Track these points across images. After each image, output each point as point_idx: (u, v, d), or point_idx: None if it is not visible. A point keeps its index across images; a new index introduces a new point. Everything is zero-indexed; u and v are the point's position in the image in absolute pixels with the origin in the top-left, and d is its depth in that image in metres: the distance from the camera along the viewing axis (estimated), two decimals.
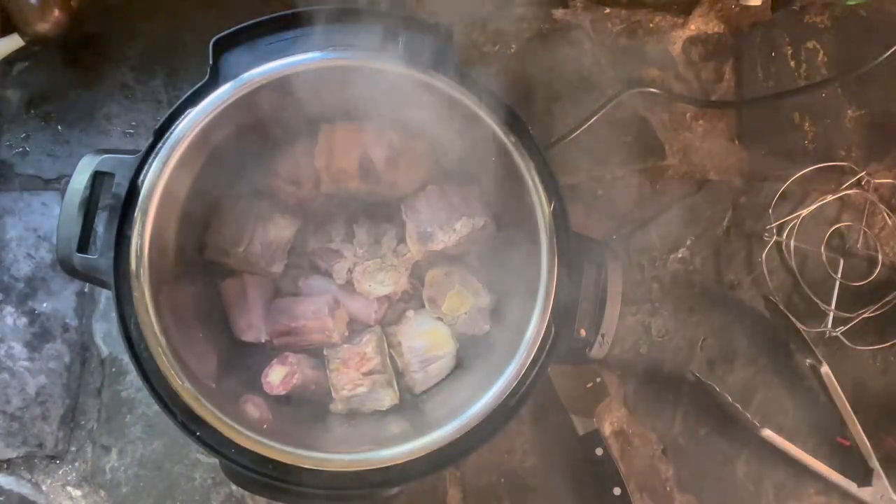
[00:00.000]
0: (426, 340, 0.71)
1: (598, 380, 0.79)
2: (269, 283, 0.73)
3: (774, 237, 0.83)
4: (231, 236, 0.70)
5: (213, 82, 0.60)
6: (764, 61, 0.87)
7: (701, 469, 0.80)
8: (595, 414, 0.78)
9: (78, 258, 0.59)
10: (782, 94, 0.85)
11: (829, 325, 0.81)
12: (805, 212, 0.83)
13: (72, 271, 0.60)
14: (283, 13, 0.62)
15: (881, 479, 0.77)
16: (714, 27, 0.88)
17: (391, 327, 0.73)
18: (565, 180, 0.82)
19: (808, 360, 0.80)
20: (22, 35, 0.77)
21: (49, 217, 0.80)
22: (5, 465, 0.76)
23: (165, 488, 0.76)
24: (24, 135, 0.81)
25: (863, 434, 0.77)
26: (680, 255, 0.83)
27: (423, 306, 0.73)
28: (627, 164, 0.84)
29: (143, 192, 0.59)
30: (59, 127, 0.82)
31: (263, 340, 0.70)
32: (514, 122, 0.62)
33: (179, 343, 0.59)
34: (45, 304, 0.79)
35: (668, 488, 0.79)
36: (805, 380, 0.81)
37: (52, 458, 0.76)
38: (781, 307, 0.79)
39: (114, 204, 0.59)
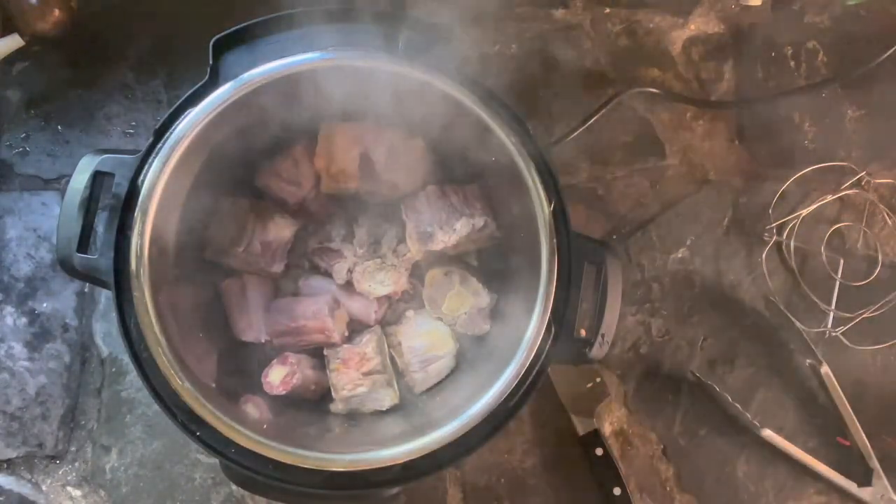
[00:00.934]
0: (426, 340, 0.71)
1: (598, 380, 0.79)
2: (269, 283, 0.73)
3: (774, 237, 0.83)
4: (231, 236, 0.70)
5: (213, 82, 0.60)
6: (764, 61, 0.87)
7: (701, 469, 0.80)
8: (595, 414, 0.78)
9: (78, 258, 0.59)
10: (782, 94, 0.85)
11: (829, 325, 0.81)
12: (805, 212, 0.83)
13: (72, 271, 0.60)
14: (283, 13, 0.62)
15: (881, 479, 0.77)
16: (714, 27, 0.88)
17: (391, 327, 0.73)
18: (565, 180, 0.82)
19: (808, 360, 0.80)
20: (22, 35, 0.77)
21: (49, 217, 0.80)
22: (5, 465, 0.76)
23: (165, 488, 0.76)
24: (24, 135, 0.81)
25: (863, 434, 0.77)
26: (680, 255, 0.83)
27: (423, 306, 0.73)
28: (627, 164, 0.84)
29: (143, 192, 0.59)
30: (59, 127, 0.82)
31: (263, 340, 0.70)
32: (514, 122, 0.62)
33: (179, 343, 0.59)
34: (45, 304, 0.79)
35: (668, 488, 0.79)
36: (805, 380, 0.81)
37: (52, 458, 0.77)
38: (781, 307, 0.79)
39: (114, 204, 0.59)
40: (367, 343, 0.70)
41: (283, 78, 0.61)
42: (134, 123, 0.82)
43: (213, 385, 0.62)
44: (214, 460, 0.73)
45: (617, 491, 0.76)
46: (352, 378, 0.69)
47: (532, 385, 0.60)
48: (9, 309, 0.78)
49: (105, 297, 0.79)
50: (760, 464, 0.80)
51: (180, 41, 0.83)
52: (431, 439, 0.58)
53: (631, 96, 0.84)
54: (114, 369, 0.78)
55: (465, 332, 0.72)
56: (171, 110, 0.60)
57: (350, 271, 0.72)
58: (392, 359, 0.72)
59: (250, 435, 0.57)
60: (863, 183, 0.84)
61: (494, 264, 0.74)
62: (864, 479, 0.77)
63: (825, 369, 0.78)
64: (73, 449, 0.77)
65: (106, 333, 0.79)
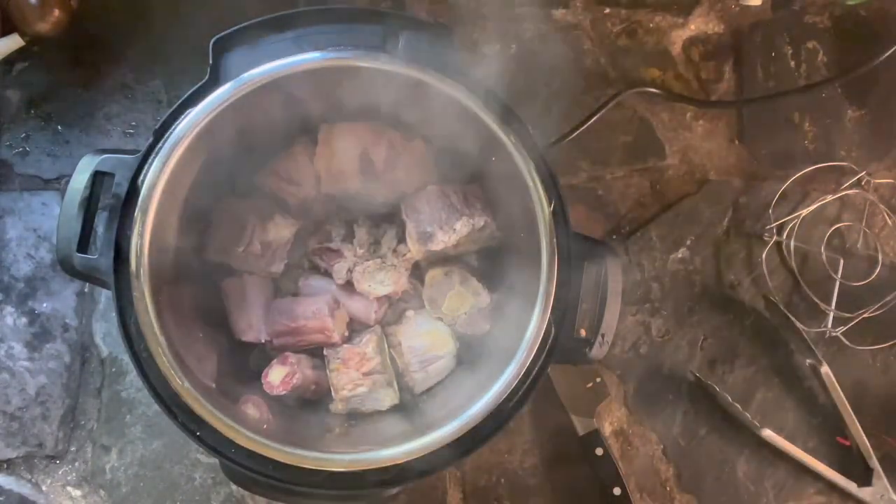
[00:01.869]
0: (426, 340, 0.71)
1: (598, 380, 0.79)
2: (269, 283, 0.73)
3: (774, 237, 0.83)
4: (231, 236, 0.70)
5: (213, 82, 0.60)
6: (764, 61, 0.87)
7: (701, 469, 0.80)
8: (595, 414, 0.78)
9: (78, 258, 0.59)
10: (782, 94, 0.85)
11: (829, 325, 0.81)
12: (805, 212, 0.83)
13: (72, 271, 0.60)
14: (283, 13, 0.62)
15: (881, 479, 0.77)
16: (714, 27, 0.88)
17: (391, 327, 0.73)
18: (565, 180, 0.82)
19: (808, 360, 0.80)
20: (22, 35, 0.77)
21: (49, 217, 0.80)
22: (5, 465, 0.76)
23: (165, 488, 0.76)
24: (24, 135, 0.81)
25: (863, 434, 0.77)
26: (680, 255, 0.83)
27: (423, 306, 0.73)
28: (627, 164, 0.84)
29: (143, 192, 0.58)
30: (59, 127, 0.82)
31: (263, 340, 0.70)
32: (514, 121, 0.62)
33: (179, 343, 0.59)
34: (45, 304, 0.79)
35: (668, 488, 0.79)
36: (805, 380, 0.81)
37: (52, 458, 0.76)
38: (781, 307, 0.79)
39: (114, 204, 0.59)
40: (367, 343, 0.70)
41: (283, 78, 0.61)
42: (134, 123, 0.82)
43: (213, 385, 0.62)
44: (214, 460, 0.73)
45: (617, 491, 0.76)
46: (352, 378, 0.69)
47: (532, 385, 0.60)
48: (9, 309, 0.78)
49: (105, 297, 0.79)
50: (760, 464, 0.80)
51: (181, 41, 0.83)
52: (431, 439, 0.58)
53: (631, 96, 0.84)
54: (114, 369, 0.78)
55: (465, 332, 0.72)
56: (171, 110, 0.60)
57: (350, 271, 0.72)
58: (392, 359, 0.72)
59: (250, 435, 0.57)
60: (863, 183, 0.84)
61: (494, 264, 0.74)
62: (864, 479, 0.78)
63: (825, 369, 0.78)
64: (73, 449, 0.77)
65: (106, 333, 0.79)
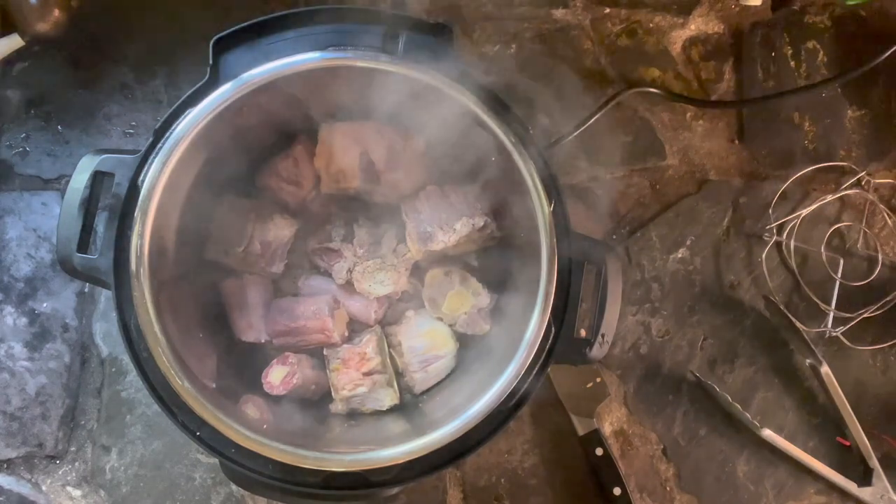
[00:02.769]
0: (426, 340, 0.71)
1: (598, 380, 0.79)
2: (269, 283, 0.73)
3: (774, 237, 0.83)
4: (231, 236, 0.70)
5: (213, 82, 0.60)
6: (764, 61, 0.87)
7: (701, 469, 0.80)
8: (595, 414, 0.78)
9: (78, 258, 0.59)
10: (782, 94, 0.85)
11: (829, 325, 0.81)
12: (805, 212, 0.83)
13: (72, 271, 0.60)
14: (283, 13, 0.62)
15: (881, 479, 0.77)
16: (714, 27, 0.88)
17: (391, 327, 0.73)
18: (565, 180, 0.82)
19: (808, 360, 0.80)
20: (22, 35, 0.77)
21: (49, 217, 0.80)
22: (5, 465, 0.76)
23: (165, 488, 0.76)
24: (24, 135, 0.81)
25: (863, 434, 0.77)
26: (680, 255, 0.83)
27: (423, 306, 0.73)
28: (627, 164, 0.84)
29: (143, 192, 0.58)
30: (59, 127, 0.82)
31: (263, 340, 0.70)
32: (514, 122, 0.62)
33: (179, 343, 0.59)
34: (45, 304, 0.79)
35: (668, 488, 0.79)
36: (805, 380, 0.81)
37: (52, 458, 0.77)
38: (781, 307, 0.79)
39: (114, 204, 0.59)
40: (367, 343, 0.70)
41: (283, 78, 0.61)
42: (134, 123, 0.82)
43: (213, 385, 0.62)
44: (214, 460, 0.73)
45: (617, 491, 0.76)
46: (352, 378, 0.69)
47: (532, 385, 0.60)
48: (9, 309, 0.78)
49: (105, 297, 0.79)
50: (760, 464, 0.80)
51: (180, 41, 0.83)
52: (431, 439, 0.58)
53: (631, 96, 0.84)
54: (114, 369, 0.78)
55: (465, 332, 0.72)
56: (171, 110, 0.60)
57: (350, 271, 0.72)
58: (392, 359, 0.72)
59: (250, 435, 0.57)
60: (863, 183, 0.84)
61: (494, 264, 0.74)
62: (864, 479, 0.78)
63: (825, 369, 0.78)
64: (73, 449, 0.77)
65: (106, 333, 0.79)
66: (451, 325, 0.72)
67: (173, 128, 0.59)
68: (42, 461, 0.76)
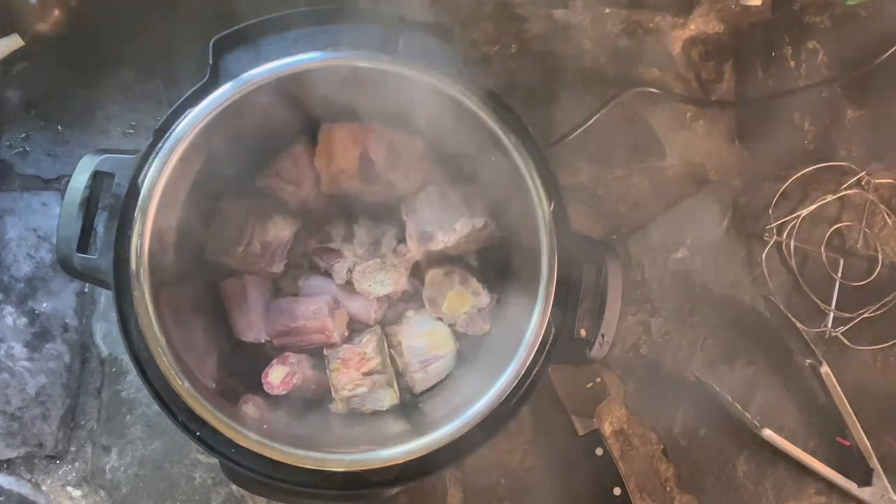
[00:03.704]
0: (426, 340, 0.71)
1: (598, 380, 0.79)
2: (269, 283, 0.73)
3: (774, 237, 0.83)
4: (231, 236, 0.70)
5: (213, 82, 0.60)
6: (764, 61, 0.87)
7: (701, 469, 0.80)
8: (595, 414, 0.78)
9: (78, 258, 0.59)
10: (782, 94, 0.85)
11: (829, 325, 0.81)
12: (805, 212, 0.83)
13: (72, 271, 0.60)
14: (282, 13, 0.62)
15: (881, 479, 0.77)
16: (714, 27, 0.88)
17: (391, 327, 0.73)
18: (565, 180, 0.82)
19: (808, 360, 0.80)
20: (22, 35, 0.77)
21: (49, 217, 0.80)
22: (5, 465, 0.76)
23: (165, 488, 0.76)
24: (24, 135, 0.81)
25: (863, 434, 0.77)
26: (680, 255, 0.83)
27: (423, 306, 0.73)
28: (627, 164, 0.84)
29: (143, 192, 0.58)
30: (59, 127, 0.82)
31: (263, 340, 0.70)
32: (514, 122, 0.62)
33: (179, 343, 0.59)
34: (45, 304, 0.79)
35: (668, 488, 0.79)
36: (805, 380, 0.81)
37: (52, 458, 0.77)
38: (781, 307, 0.79)
39: (114, 204, 0.59)
40: (367, 343, 0.70)
41: (283, 78, 0.61)
42: (134, 123, 0.82)
43: (213, 385, 0.62)
44: (214, 460, 0.73)
45: (617, 491, 0.76)
46: (352, 378, 0.69)
47: (532, 385, 0.60)
48: (9, 309, 0.78)
49: (105, 297, 0.79)
50: (760, 464, 0.80)
51: (180, 41, 0.83)
52: (431, 439, 0.58)
53: (631, 96, 0.84)
54: (114, 369, 0.78)
55: (465, 332, 0.72)
56: (171, 110, 0.60)
57: (350, 271, 0.72)
58: (392, 359, 0.72)
59: (250, 435, 0.57)
60: (863, 183, 0.84)
61: (494, 264, 0.74)
62: (864, 479, 0.78)
63: (825, 369, 0.78)
64: (73, 449, 0.77)
65: (106, 333, 0.79)
66: (451, 325, 0.72)
67: (173, 128, 0.59)
68: (42, 461, 0.76)
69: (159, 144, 0.59)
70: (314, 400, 0.71)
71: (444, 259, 0.73)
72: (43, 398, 0.77)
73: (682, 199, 0.84)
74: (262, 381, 0.67)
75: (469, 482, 0.78)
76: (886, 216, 0.84)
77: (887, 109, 0.86)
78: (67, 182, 0.61)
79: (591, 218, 0.83)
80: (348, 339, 0.72)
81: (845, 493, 0.78)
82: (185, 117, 0.59)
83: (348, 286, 0.72)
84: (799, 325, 0.79)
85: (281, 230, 0.71)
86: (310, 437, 0.63)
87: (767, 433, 0.78)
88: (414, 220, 0.70)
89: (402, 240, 0.73)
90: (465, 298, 0.71)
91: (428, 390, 0.72)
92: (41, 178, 0.81)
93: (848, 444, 0.79)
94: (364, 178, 0.71)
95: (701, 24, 0.88)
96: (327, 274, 0.73)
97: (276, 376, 0.67)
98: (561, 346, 0.60)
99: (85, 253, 0.60)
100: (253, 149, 0.71)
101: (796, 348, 0.80)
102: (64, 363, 0.78)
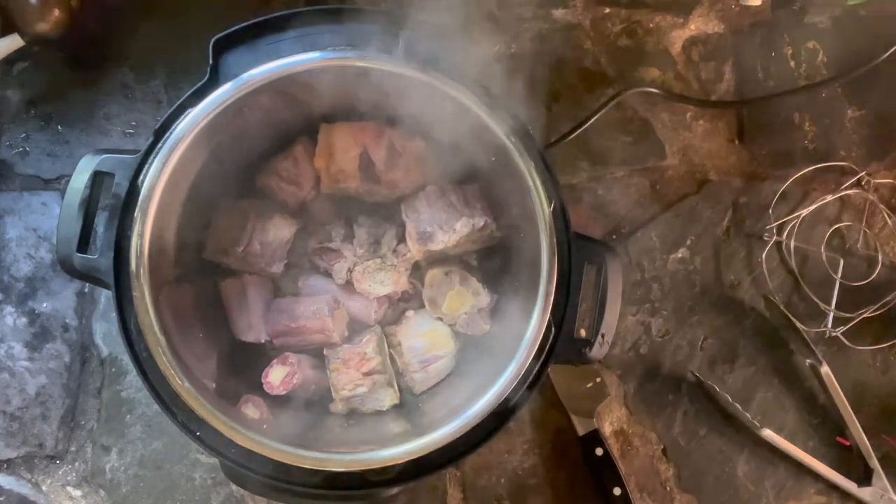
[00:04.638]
0: (426, 340, 0.71)
1: (598, 380, 0.79)
2: (269, 283, 0.73)
3: (774, 237, 0.83)
4: (231, 236, 0.70)
5: (213, 82, 0.60)
6: (764, 61, 0.87)
7: (701, 469, 0.80)
8: (595, 414, 0.78)
9: (78, 258, 0.59)
10: (782, 94, 0.85)
11: (829, 325, 0.81)
12: (805, 212, 0.83)
13: (72, 271, 0.60)
14: (283, 13, 0.62)
15: (881, 479, 0.77)
16: (714, 27, 0.88)
17: (391, 327, 0.73)
18: (565, 180, 0.82)
19: (808, 360, 0.80)
20: (22, 35, 0.77)
21: (49, 217, 0.80)
22: (5, 465, 0.76)
23: (165, 488, 0.76)
24: (24, 135, 0.81)
25: (863, 434, 0.77)
26: (680, 255, 0.83)
27: (423, 306, 0.73)
28: (627, 164, 0.84)
29: (143, 192, 0.58)
30: (59, 127, 0.82)
31: (263, 340, 0.70)
32: (514, 122, 0.62)
33: (179, 343, 0.59)
34: (45, 304, 0.79)
35: (668, 488, 0.79)
36: (805, 380, 0.81)
37: (52, 458, 0.77)
38: (781, 307, 0.79)
39: (114, 204, 0.59)
40: (367, 343, 0.70)
41: (283, 78, 0.61)
42: (134, 123, 0.82)
43: (213, 385, 0.62)
44: (214, 460, 0.73)
45: (617, 491, 0.76)
46: (352, 378, 0.69)
47: (532, 385, 0.60)
48: (9, 309, 0.78)
49: (105, 297, 0.79)
50: (760, 464, 0.80)
51: (180, 41, 0.83)
52: (431, 439, 0.58)
53: (631, 96, 0.84)
54: (114, 369, 0.78)
55: (465, 332, 0.72)
56: (171, 110, 0.60)
57: (350, 271, 0.72)
58: (392, 359, 0.72)
59: (250, 435, 0.57)
60: (863, 183, 0.84)
61: (494, 264, 0.74)
62: (864, 478, 0.78)
63: (825, 369, 0.78)
64: (73, 449, 0.77)
65: (106, 333, 0.79)
66: (451, 325, 0.72)
67: (173, 128, 0.59)
68: (42, 461, 0.76)
69: (159, 144, 0.59)
70: (314, 400, 0.71)
71: (444, 259, 0.73)
72: (43, 398, 0.77)
73: (682, 199, 0.84)
74: (262, 381, 0.67)
75: (469, 482, 0.78)
76: (886, 216, 0.84)
77: (887, 109, 0.86)
78: (67, 182, 0.61)
79: (591, 218, 0.83)
80: (348, 339, 0.72)
81: (845, 493, 0.78)
82: (185, 117, 0.59)
83: (348, 286, 0.72)
84: (799, 325, 0.79)
85: (281, 230, 0.71)
86: (310, 437, 0.63)
87: (767, 433, 0.78)
88: (414, 220, 0.70)
89: (402, 240, 0.73)
90: (465, 298, 0.71)
91: (428, 390, 0.72)
92: (41, 178, 0.81)
93: (848, 444, 0.79)
94: (364, 178, 0.71)
95: (701, 24, 0.88)
96: (327, 274, 0.73)
97: (276, 376, 0.67)
98: (561, 346, 0.60)
99: (85, 253, 0.60)
100: (253, 149, 0.71)
101: (796, 348, 0.80)
102: (64, 363, 0.78)
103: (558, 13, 0.86)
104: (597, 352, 0.62)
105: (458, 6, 0.84)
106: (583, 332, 0.62)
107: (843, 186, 0.84)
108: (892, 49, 0.80)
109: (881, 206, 0.84)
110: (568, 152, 0.83)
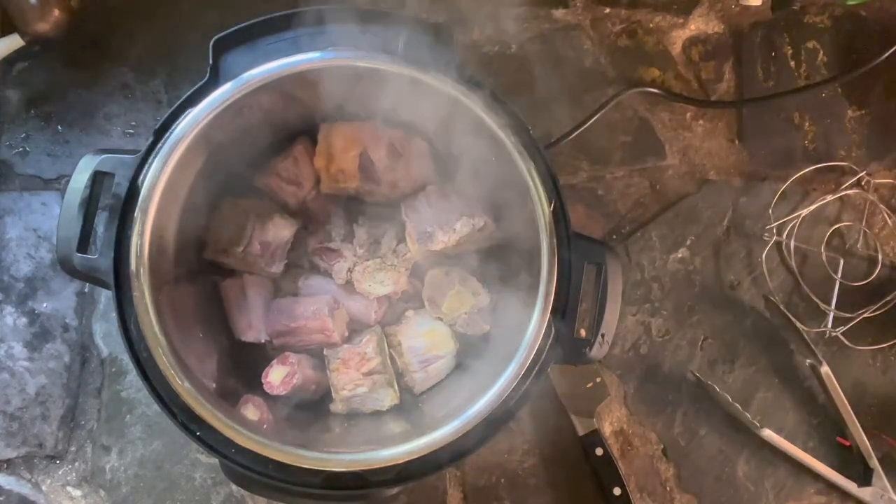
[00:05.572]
0: (426, 340, 0.71)
1: (598, 380, 0.79)
2: (269, 283, 0.73)
3: (774, 237, 0.83)
4: (231, 236, 0.70)
5: (213, 82, 0.60)
6: (764, 61, 0.87)
7: (701, 469, 0.80)
8: (595, 414, 0.78)
9: (78, 258, 0.59)
10: (782, 94, 0.85)
11: (829, 325, 0.81)
12: (805, 212, 0.83)
13: (72, 271, 0.60)
14: (283, 13, 0.62)
15: (881, 479, 0.77)
16: (714, 27, 0.88)
17: (391, 327, 0.73)
18: (565, 180, 0.82)
19: (808, 360, 0.80)
20: (22, 35, 0.77)
21: (49, 217, 0.80)
22: (5, 465, 0.76)
23: (165, 488, 0.76)
24: (24, 135, 0.81)
25: (863, 434, 0.77)
26: (680, 255, 0.83)
27: (423, 306, 0.73)
28: (627, 164, 0.84)
29: (143, 192, 0.58)
30: (59, 127, 0.82)
31: (263, 340, 0.70)
32: (514, 121, 0.62)
33: (179, 343, 0.59)
34: (45, 304, 0.79)
35: (668, 488, 0.79)
36: (805, 380, 0.81)
37: (52, 458, 0.77)
38: (781, 307, 0.79)
39: (114, 204, 0.59)
40: (367, 343, 0.70)
41: (283, 78, 0.61)
42: (134, 123, 0.82)
43: (214, 385, 0.62)
44: (214, 460, 0.73)
45: (617, 491, 0.76)
46: (352, 378, 0.69)
47: (532, 385, 0.60)
48: (9, 309, 0.78)
49: (105, 297, 0.79)
50: (760, 464, 0.80)
51: (180, 41, 0.83)
52: (431, 439, 0.58)
53: (631, 96, 0.84)
54: (114, 369, 0.78)
55: (465, 332, 0.72)
56: (171, 110, 0.60)
57: (350, 271, 0.72)
58: (392, 359, 0.72)
59: (250, 435, 0.57)
60: (863, 183, 0.84)
61: (494, 264, 0.74)
62: (864, 479, 0.78)
63: (825, 369, 0.78)
64: (73, 449, 0.77)
65: (106, 333, 0.79)
66: (451, 325, 0.72)
67: (173, 128, 0.59)
68: (42, 461, 0.76)
69: (159, 144, 0.59)
70: (314, 400, 0.71)
71: (444, 259, 0.73)
72: (43, 398, 0.77)
73: (682, 199, 0.84)
74: (262, 381, 0.67)
75: (469, 482, 0.78)
76: (886, 216, 0.84)
77: (887, 109, 0.86)
78: (67, 182, 0.61)
79: (591, 218, 0.83)
80: (348, 339, 0.72)
81: (845, 493, 0.78)
82: (185, 117, 0.59)
83: (348, 286, 0.72)
84: (799, 325, 0.79)
85: (281, 230, 0.71)
86: (310, 437, 0.63)
87: (767, 433, 0.78)
88: (414, 220, 0.70)
89: (402, 240, 0.73)
90: (465, 298, 0.71)
91: (428, 390, 0.72)
92: (41, 178, 0.81)
93: (848, 444, 0.79)
94: (364, 178, 0.71)
95: (701, 24, 0.88)
96: (327, 274, 0.73)
97: (276, 376, 0.67)
98: (561, 346, 0.60)
99: (85, 253, 0.60)
100: (253, 149, 0.71)
101: (796, 348, 0.80)
102: (64, 363, 0.78)
103: (558, 13, 0.86)
104: (597, 352, 0.62)
105: (458, 6, 0.84)
106: (583, 332, 0.62)
107: (843, 186, 0.84)
108: (892, 49, 0.80)
109: (881, 206, 0.84)
110: (568, 152, 0.83)
